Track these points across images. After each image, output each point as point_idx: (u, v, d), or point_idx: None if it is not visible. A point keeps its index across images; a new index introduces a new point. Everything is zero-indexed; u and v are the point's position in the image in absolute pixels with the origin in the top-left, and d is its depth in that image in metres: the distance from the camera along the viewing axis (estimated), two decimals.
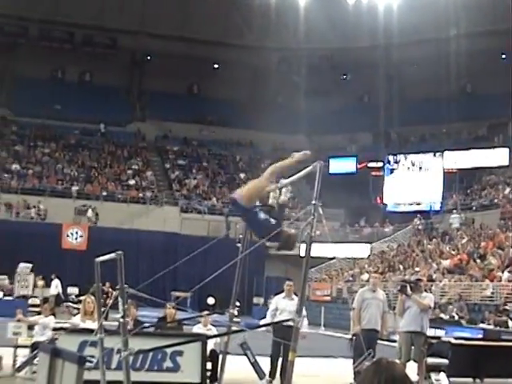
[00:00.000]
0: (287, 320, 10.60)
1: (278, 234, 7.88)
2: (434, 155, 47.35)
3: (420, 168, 47.89)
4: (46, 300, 25.66)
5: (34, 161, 48.45)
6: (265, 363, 12.96)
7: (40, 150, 49.61)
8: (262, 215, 8.29)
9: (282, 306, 13.49)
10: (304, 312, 12.80)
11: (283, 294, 13.76)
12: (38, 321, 13.91)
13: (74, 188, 45.44)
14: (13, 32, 54.01)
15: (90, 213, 43.52)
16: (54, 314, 14.34)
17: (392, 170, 49.10)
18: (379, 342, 14.02)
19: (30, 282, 31.63)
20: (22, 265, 32.03)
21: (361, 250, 43.07)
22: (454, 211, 43.15)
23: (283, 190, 8.62)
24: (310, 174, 7.77)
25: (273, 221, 8.08)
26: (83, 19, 52.50)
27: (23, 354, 13.74)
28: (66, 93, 52.72)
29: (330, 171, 44.81)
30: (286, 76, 55.54)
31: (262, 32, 53.13)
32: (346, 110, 54.41)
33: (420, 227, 43.48)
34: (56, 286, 34.54)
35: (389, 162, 49.30)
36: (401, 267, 37.35)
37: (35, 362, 12.33)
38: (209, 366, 12.00)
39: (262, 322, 26.68)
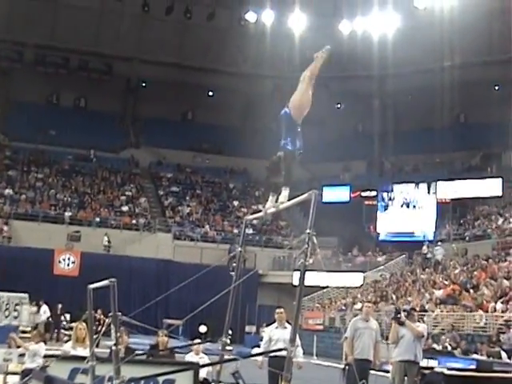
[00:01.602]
0: (280, 350, 10.52)
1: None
2: (429, 186, 47.19)
3: (414, 206, 47.74)
4: (36, 327, 25.48)
5: (27, 186, 48.35)
6: None
7: (33, 175, 49.51)
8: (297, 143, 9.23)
9: (276, 336, 12.99)
10: (298, 341, 12.70)
11: (275, 324, 13.43)
12: (28, 347, 13.79)
13: (67, 214, 45.29)
14: (8, 56, 54.23)
15: (104, 240, 43.48)
16: (44, 341, 14.23)
17: (386, 207, 49.02)
18: (372, 372, 13.93)
19: (25, 313, 31.20)
20: (15, 294, 31.59)
21: (354, 279, 42.95)
22: (439, 243, 43.11)
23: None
24: (303, 202, 7.78)
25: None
26: (79, 45, 52.77)
27: (13, 381, 13.63)
28: (60, 118, 52.80)
29: (324, 200, 44.79)
30: (280, 103, 55.57)
31: (256, 60, 53.40)
32: (340, 139, 54.64)
33: (429, 255, 42.97)
34: (44, 312, 34.34)
35: (383, 200, 49.21)
36: (393, 297, 37.23)
37: None
38: None
39: (255, 350, 26.54)
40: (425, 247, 44.01)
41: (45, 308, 34.40)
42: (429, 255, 42.95)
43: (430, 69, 49.25)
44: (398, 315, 14.07)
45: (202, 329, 34.45)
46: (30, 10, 50.89)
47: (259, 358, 13.20)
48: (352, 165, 54.33)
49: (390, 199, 48.86)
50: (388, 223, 48.53)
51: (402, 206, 48.17)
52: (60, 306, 35.70)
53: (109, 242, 43.70)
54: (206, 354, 14.14)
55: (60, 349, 13.80)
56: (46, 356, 12.96)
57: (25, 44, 52.84)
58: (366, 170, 55.02)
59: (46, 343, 14.27)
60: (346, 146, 53.21)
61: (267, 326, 14.39)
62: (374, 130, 53.12)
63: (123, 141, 55.83)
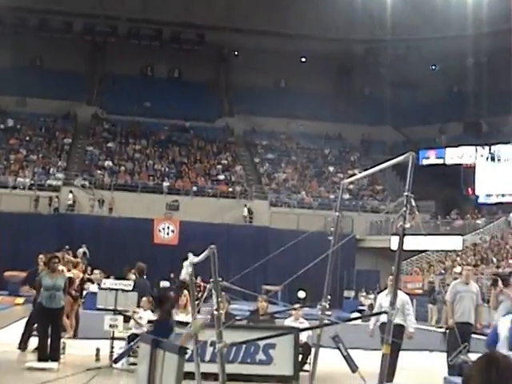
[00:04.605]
0: (380, 313, 10.52)
1: None
2: None
3: None
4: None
5: (125, 157, 49.32)
6: (357, 356, 12.88)
7: (131, 146, 50.46)
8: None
9: (387, 304, 13.04)
10: (411, 310, 12.70)
11: (386, 291, 13.41)
12: (141, 315, 14.10)
13: (165, 183, 46.04)
14: (102, 31, 55.27)
15: (244, 211, 44.25)
16: (152, 309, 14.50)
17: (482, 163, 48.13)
18: (473, 335, 13.79)
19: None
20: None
21: (453, 243, 42.32)
22: None
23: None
24: (398, 166, 7.74)
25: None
26: (171, 16, 53.23)
27: (119, 345, 14.05)
28: (155, 90, 53.51)
29: (420, 163, 44.32)
30: (373, 68, 55.13)
31: (348, 24, 52.84)
32: (434, 101, 53.79)
33: None
34: None
35: (480, 155, 48.30)
36: (494, 260, 36.67)
37: (131, 353, 12.61)
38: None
39: (353, 315, 26.54)
40: None
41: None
42: None
43: None
44: (496, 282, 13.90)
45: (301, 294, 34.61)
46: None
47: (370, 326, 13.20)
48: (448, 127, 53.47)
49: (490, 153, 47.96)
50: (486, 182, 47.57)
51: (499, 160, 47.22)
52: (172, 275, 35.98)
53: (249, 213, 44.35)
54: (305, 318, 14.23)
55: None
56: (149, 321, 13.32)
57: (118, 18, 53.66)
58: (462, 132, 54.02)
59: (153, 311, 14.50)
60: (441, 107, 52.35)
61: (378, 292, 14.31)
62: (469, 91, 51.99)
63: (217, 110, 56.26)
